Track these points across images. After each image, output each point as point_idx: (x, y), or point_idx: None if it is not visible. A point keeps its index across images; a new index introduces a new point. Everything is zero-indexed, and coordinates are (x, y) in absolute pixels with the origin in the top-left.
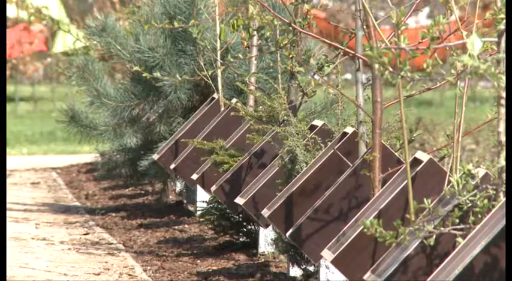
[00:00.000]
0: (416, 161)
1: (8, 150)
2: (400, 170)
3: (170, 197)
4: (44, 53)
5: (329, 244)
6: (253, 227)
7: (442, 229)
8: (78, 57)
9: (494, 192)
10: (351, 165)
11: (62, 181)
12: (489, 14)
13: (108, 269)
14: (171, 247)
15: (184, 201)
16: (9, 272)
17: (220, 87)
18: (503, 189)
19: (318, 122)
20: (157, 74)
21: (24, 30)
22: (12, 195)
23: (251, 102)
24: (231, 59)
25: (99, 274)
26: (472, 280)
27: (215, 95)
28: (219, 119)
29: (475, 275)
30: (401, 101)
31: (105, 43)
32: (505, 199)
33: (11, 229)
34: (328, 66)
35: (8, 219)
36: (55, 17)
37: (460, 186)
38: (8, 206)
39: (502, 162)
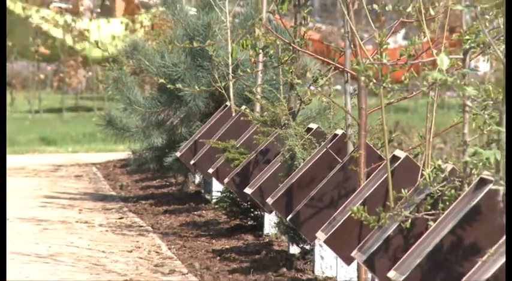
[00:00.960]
0: (394, 158)
1: (56, 149)
2: (381, 166)
3: (190, 187)
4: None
5: (322, 227)
6: (259, 212)
7: (416, 214)
8: (113, 71)
9: (460, 183)
10: (341, 161)
11: (101, 174)
12: (455, 36)
13: (139, 248)
14: (191, 229)
15: (202, 191)
16: (57, 249)
17: (231, 96)
18: (467, 181)
19: (313, 125)
20: (179, 86)
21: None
22: (59, 186)
23: (257, 108)
24: (241, 73)
25: (131, 251)
26: (441, 257)
27: (227, 103)
28: (231, 122)
29: (444, 252)
30: (383, 108)
31: (136, 60)
32: (468, 188)
33: (59, 214)
34: (322, 78)
35: (56, 205)
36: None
37: (431, 178)
38: (55, 195)
39: (466, 158)
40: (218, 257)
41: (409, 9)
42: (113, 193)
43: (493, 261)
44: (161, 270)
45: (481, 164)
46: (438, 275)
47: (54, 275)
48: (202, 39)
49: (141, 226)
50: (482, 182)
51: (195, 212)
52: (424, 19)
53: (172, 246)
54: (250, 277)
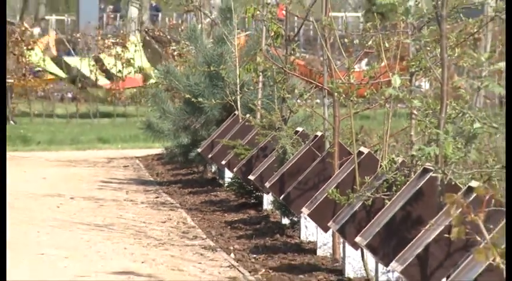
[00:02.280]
0: (360, 153)
1: (109, 146)
2: (350, 159)
3: (208, 175)
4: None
5: (306, 204)
6: (259, 193)
7: (376, 195)
8: (152, 88)
9: (408, 172)
10: (320, 155)
11: (142, 165)
12: (404, 62)
13: (170, 219)
14: (208, 206)
15: (217, 177)
16: (110, 220)
17: (239, 107)
18: (414, 170)
19: (300, 129)
20: (200, 99)
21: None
22: (111, 173)
23: (258, 116)
24: (246, 90)
25: (164, 222)
26: (395, 226)
27: (236, 112)
28: (238, 127)
29: (396, 223)
30: (351, 116)
31: (168, 80)
32: (414, 175)
33: (111, 194)
34: (306, 94)
35: (109, 188)
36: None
37: (387, 168)
38: (109, 180)
39: (413, 153)
40: (229, 227)
41: (370, 42)
42: (151, 179)
43: (433, 229)
44: (187, 236)
45: (423, 157)
46: (392, 240)
47: (109, 240)
48: (217, 65)
49: (172, 203)
50: (425, 171)
51: (212, 193)
52: (381, 50)
53: (195, 218)
54: (253, 241)
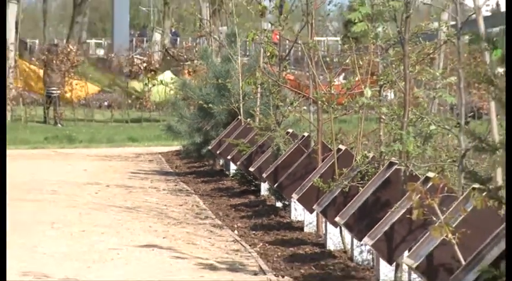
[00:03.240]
0: (339, 150)
1: (137, 144)
2: (330, 154)
3: (217, 167)
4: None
5: (295, 191)
6: (258, 182)
7: (351, 183)
8: (172, 97)
9: (377, 165)
10: (307, 152)
11: (164, 159)
12: (374, 77)
13: (186, 203)
14: (217, 192)
15: (224, 169)
16: (136, 204)
17: (241, 112)
18: (382, 163)
19: (290, 130)
20: (210, 106)
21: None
22: (139, 166)
23: (257, 120)
24: (247, 99)
25: (182, 205)
26: (367, 209)
27: (239, 117)
28: (241, 128)
29: (368, 206)
30: (331, 120)
31: (185, 91)
32: (382, 168)
33: (139, 182)
34: (295, 102)
35: (137, 177)
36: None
37: (361, 162)
38: (137, 171)
39: (382, 149)
40: (233, 209)
41: (347, 61)
42: (171, 170)
43: (397, 211)
44: (199, 216)
45: (390, 153)
46: (365, 219)
47: (136, 219)
48: (224, 79)
49: (188, 190)
50: (391, 164)
51: (220, 182)
52: (356, 67)
53: (206, 202)
54: (252, 221)
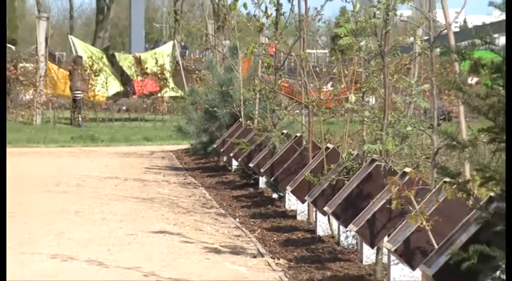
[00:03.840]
0: (327, 148)
1: (151, 143)
2: (320, 152)
3: (221, 163)
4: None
5: (289, 184)
6: (256, 176)
7: (338, 177)
8: (182, 101)
9: (361, 161)
10: (299, 150)
11: (174, 156)
12: (358, 85)
13: (194, 194)
14: (221, 185)
15: (227, 165)
16: (150, 195)
17: (242, 115)
18: (365, 160)
19: (285, 131)
20: (215, 110)
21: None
22: (153, 162)
23: (256, 122)
24: (247, 103)
25: (190, 196)
26: (352, 200)
27: (240, 119)
28: (242, 129)
29: (353, 197)
30: (321, 122)
31: (193, 96)
32: (365, 164)
33: (153, 177)
34: (289, 106)
35: (151, 172)
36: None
37: (346, 159)
38: (151, 166)
39: (364, 148)
40: (235, 200)
41: (334, 70)
42: (180, 166)
43: (378, 202)
44: (205, 206)
45: (371, 151)
46: (350, 209)
47: (151, 208)
48: (227, 86)
49: (195, 183)
50: (372, 160)
51: (223, 176)
52: (342, 76)
53: (211, 194)
54: (252, 210)
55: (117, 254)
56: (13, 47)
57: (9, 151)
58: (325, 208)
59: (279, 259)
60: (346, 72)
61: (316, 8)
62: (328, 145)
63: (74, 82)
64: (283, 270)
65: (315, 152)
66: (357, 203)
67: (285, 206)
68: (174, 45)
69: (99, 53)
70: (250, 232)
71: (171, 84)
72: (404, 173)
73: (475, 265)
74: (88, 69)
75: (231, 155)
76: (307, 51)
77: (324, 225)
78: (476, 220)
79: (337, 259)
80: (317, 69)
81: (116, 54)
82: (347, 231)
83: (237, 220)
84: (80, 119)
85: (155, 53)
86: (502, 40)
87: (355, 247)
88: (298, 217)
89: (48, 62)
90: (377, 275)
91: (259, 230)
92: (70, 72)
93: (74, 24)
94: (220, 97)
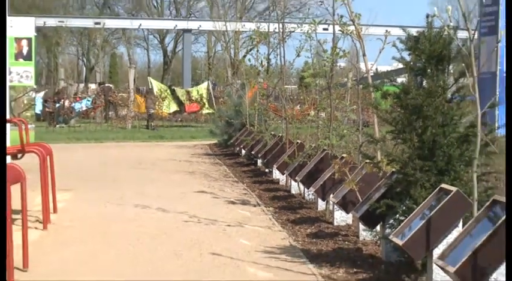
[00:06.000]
0: (297, 143)
1: (195, 139)
2: (293, 145)
3: (236, 151)
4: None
5: (275, 163)
6: (256, 159)
7: (303, 160)
8: (213, 115)
9: (316, 151)
10: (281, 144)
11: (208, 147)
12: (315, 106)
13: (219, 170)
14: (235, 164)
15: (239, 152)
16: (193, 169)
17: (248, 123)
18: (320, 149)
19: (273, 132)
20: (232, 120)
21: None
22: (196, 151)
23: (255, 127)
24: (251, 116)
25: (217, 171)
26: (311, 172)
27: (247, 126)
28: (247, 132)
29: (312, 171)
30: (293, 127)
31: (219, 112)
32: (319, 152)
33: (195, 159)
34: (275, 118)
35: (194, 157)
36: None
37: (309, 149)
38: (194, 153)
39: (318, 142)
40: (244, 173)
41: (301, 97)
42: (212, 153)
43: (327, 174)
44: (226, 177)
45: (323, 144)
46: (310, 178)
47: (193, 178)
48: (239, 106)
49: (220, 163)
50: (324, 150)
51: (237, 159)
52: (306, 100)
53: (230, 169)
54: (253, 179)
55: (174, 204)
56: (112, 86)
57: (112, 144)
58: (296, 178)
59: (269, 207)
60: (308, 98)
61: (290, 62)
62: (298, 140)
63: (148, 104)
64: (271, 214)
65: (290, 145)
66: (315, 175)
67: (272, 177)
68: (208, 83)
69: (165, 87)
70: (252, 191)
71: (206, 105)
72: (342, 157)
73: (384, 212)
74: (159, 97)
75: (241, 146)
76: (285, 86)
77: (295, 188)
78: (385, 185)
79: (303, 207)
80: (291, 97)
81: (175, 88)
82: (309, 191)
83: (245, 184)
84: (152, 125)
85: (197, 89)
86: (399, 79)
87: (314, 200)
88: (280, 183)
89: (136, 95)
90: (326, 216)
91: (258, 190)
92: (145, 97)
93: (150, 70)
94: (235, 113)
